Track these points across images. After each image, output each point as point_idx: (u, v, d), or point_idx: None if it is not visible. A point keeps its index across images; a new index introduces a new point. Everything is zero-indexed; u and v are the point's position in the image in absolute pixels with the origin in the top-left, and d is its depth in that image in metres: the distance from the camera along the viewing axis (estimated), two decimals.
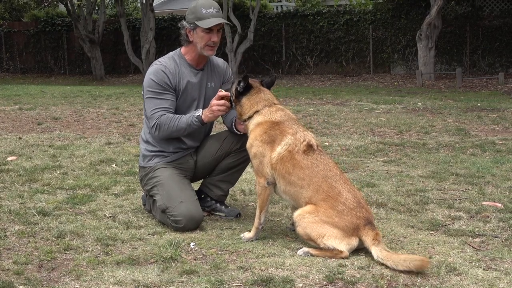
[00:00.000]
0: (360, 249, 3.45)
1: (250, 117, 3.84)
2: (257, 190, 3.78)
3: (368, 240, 3.36)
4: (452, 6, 19.77)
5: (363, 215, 3.44)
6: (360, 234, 3.40)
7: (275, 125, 3.73)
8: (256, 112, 3.82)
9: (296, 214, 3.56)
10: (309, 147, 3.65)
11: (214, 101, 3.97)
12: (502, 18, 19.54)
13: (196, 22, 4.04)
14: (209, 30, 4.05)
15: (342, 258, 3.37)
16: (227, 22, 4.32)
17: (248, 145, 3.83)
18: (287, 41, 22.20)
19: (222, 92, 3.97)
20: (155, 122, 4.05)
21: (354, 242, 3.41)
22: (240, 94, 3.89)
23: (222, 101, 3.94)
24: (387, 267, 3.22)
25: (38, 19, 25.23)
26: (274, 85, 4.10)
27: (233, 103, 3.95)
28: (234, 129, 4.18)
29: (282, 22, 22.20)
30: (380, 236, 3.40)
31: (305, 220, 3.47)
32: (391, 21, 20.76)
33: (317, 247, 3.45)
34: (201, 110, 4.04)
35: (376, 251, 3.30)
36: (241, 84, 3.86)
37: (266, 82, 4.00)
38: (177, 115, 4.07)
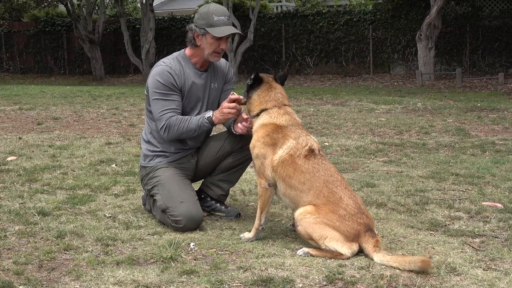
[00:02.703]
0: (360, 250, 3.44)
1: (257, 115, 3.81)
2: (258, 191, 3.77)
3: (369, 247, 3.36)
4: (452, 6, 19.77)
5: (364, 221, 3.42)
6: (360, 240, 3.39)
7: (278, 128, 3.70)
8: (264, 110, 3.78)
9: (298, 213, 3.55)
10: (311, 152, 3.63)
11: (225, 104, 3.97)
12: (502, 18, 19.54)
13: (207, 29, 4.03)
14: (219, 38, 4.06)
15: (343, 259, 3.37)
16: (239, 32, 4.33)
17: (251, 145, 3.82)
18: (287, 41, 22.20)
19: (234, 95, 3.97)
20: (165, 124, 4.05)
21: (355, 247, 3.40)
22: (250, 88, 3.85)
23: (233, 104, 3.94)
24: (387, 267, 3.22)
25: (38, 19, 25.23)
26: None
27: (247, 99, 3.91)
28: (232, 129, 4.17)
29: (282, 22, 22.21)
30: (380, 242, 3.40)
31: (307, 220, 3.47)
32: (391, 21, 20.76)
33: (318, 248, 3.45)
34: (211, 111, 4.05)
35: (379, 257, 3.29)
36: (251, 77, 3.83)
37: (279, 76, 3.94)
38: (187, 117, 4.08)
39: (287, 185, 3.63)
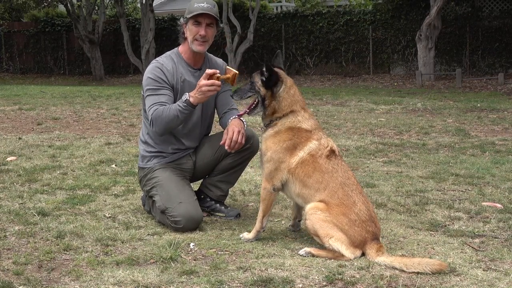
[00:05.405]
0: (362, 255, 3.44)
1: (284, 116, 3.66)
2: (262, 194, 3.74)
3: (371, 252, 3.34)
4: (452, 7, 19.78)
5: (372, 230, 3.41)
6: (365, 248, 3.38)
7: (303, 132, 3.63)
8: (292, 112, 3.66)
9: (308, 207, 3.52)
10: (332, 153, 3.62)
11: (202, 81, 3.80)
12: (501, 19, 19.55)
13: (187, 16, 4.07)
14: (198, 23, 4.05)
15: (343, 260, 3.36)
16: (213, 14, 4.08)
17: (265, 146, 3.71)
18: (287, 41, 22.20)
19: (209, 70, 3.81)
20: (151, 118, 3.99)
21: (358, 253, 3.39)
22: (269, 86, 3.65)
23: (211, 81, 3.79)
24: (387, 268, 3.23)
25: (38, 19, 25.24)
26: None
27: (263, 99, 3.64)
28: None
29: (282, 22, 22.21)
30: (384, 249, 3.39)
31: (316, 216, 3.45)
32: (391, 21, 20.77)
33: (320, 247, 3.45)
34: (187, 93, 3.91)
35: (383, 259, 3.28)
36: (265, 73, 3.63)
37: (278, 63, 3.85)
38: (168, 106, 3.97)
39: (303, 185, 3.59)
